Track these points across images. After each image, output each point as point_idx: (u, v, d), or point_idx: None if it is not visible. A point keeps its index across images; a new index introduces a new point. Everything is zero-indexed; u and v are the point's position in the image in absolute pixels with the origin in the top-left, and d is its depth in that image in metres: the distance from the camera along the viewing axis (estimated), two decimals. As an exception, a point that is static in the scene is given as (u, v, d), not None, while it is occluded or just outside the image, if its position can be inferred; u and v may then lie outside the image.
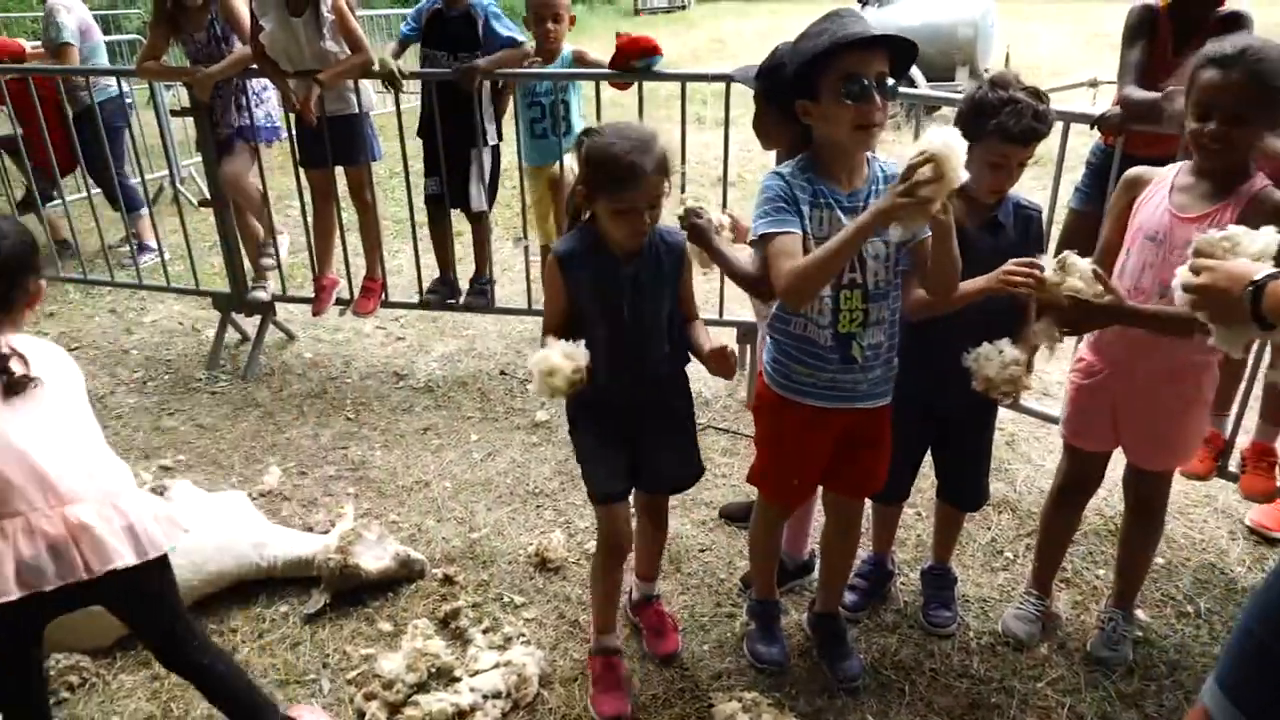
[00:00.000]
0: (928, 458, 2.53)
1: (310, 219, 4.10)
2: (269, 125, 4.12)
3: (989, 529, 2.97)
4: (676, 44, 20.20)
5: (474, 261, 4.17)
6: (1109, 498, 2.97)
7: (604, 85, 3.70)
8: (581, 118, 4.00)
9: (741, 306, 4.71)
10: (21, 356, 1.77)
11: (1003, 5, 11.09)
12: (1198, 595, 2.66)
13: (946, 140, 1.64)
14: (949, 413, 2.35)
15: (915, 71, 9.36)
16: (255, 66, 3.75)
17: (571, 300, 2.07)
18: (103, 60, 5.62)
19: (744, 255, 2.17)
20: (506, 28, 3.77)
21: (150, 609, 1.93)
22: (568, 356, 1.91)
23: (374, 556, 2.65)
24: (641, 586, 2.53)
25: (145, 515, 1.81)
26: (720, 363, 2.02)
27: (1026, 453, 3.43)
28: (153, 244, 5.15)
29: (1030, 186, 2.39)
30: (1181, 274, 1.44)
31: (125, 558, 1.73)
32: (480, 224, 4.06)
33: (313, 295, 4.21)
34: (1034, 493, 3.14)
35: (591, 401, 2.10)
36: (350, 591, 2.63)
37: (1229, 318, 1.36)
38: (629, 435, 2.19)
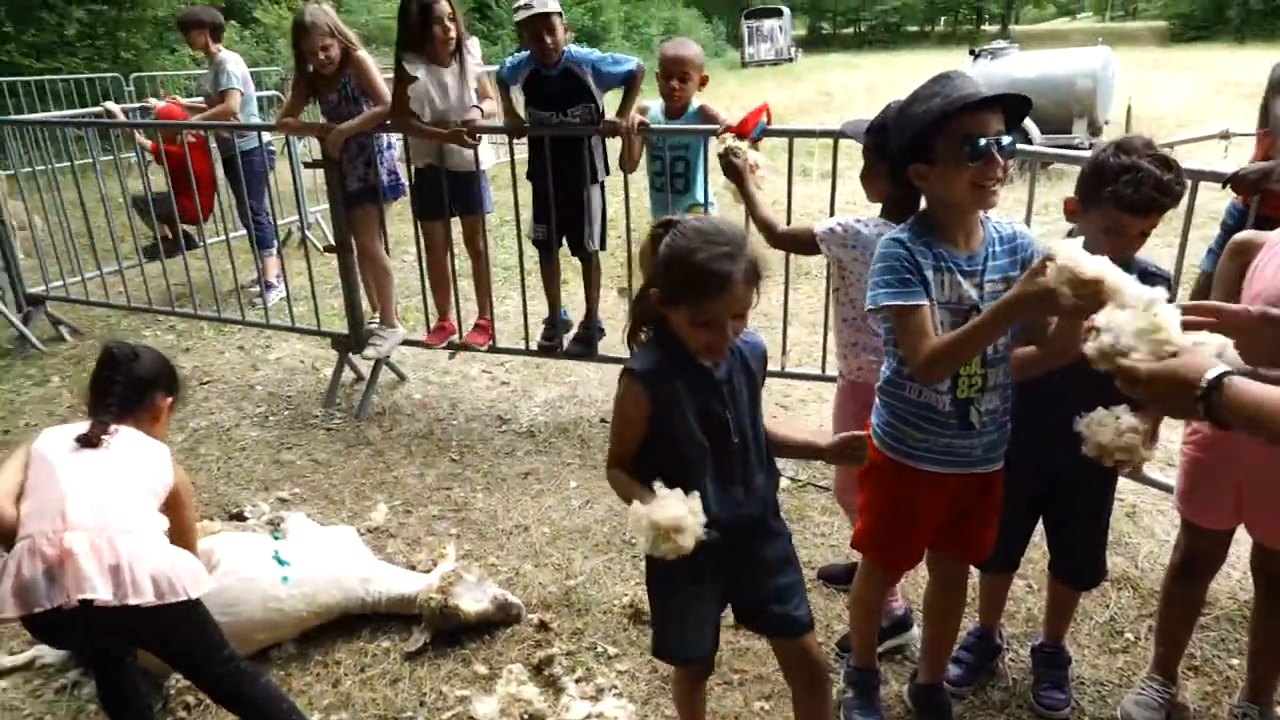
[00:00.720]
0: (1040, 527, 2.42)
1: (425, 266, 4.29)
2: (393, 183, 4.34)
3: (1107, 607, 2.80)
4: (783, 96, 20.33)
5: (584, 303, 4.24)
6: (1243, 580, 2.77)
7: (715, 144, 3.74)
8: (704, 178, 3.99)
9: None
10: (111, 434, 2.04)
11: (1124, 54, 10.74)
12: (1346, 693, 2.44)
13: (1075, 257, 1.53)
14: (1060, 478, 2.25)
15: (1030, 125, 9.15)
16: (389, 123, 3.97)
17: (655, 426, 1.77)
18: (253, 111, 6.12)
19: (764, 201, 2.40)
20: (615, 64, 3.78)
21: (171, 650, 2.06)
22: (692, 511, 1.61)
23: (473, 598, 2.70)
24: None
25: (144, 561, 1.88)
26: (854, 451, 1.83)
27: (1149, 526, 3.24)
28: (274, 282, 5.59)
29: (1154, 245, 2.29)
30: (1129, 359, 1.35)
31: (101, 591, 1.81)
32: (591, 264, 4.12)
33: (423, 338, 4.40)
34: (1157, 570, 2.95)
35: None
36: (449, 632, 2.68)
37: (1176, 408, 1.34)
38: (727, 574, 1.88)
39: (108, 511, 1.92)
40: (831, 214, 3.71)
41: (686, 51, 3.87)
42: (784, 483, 3.55)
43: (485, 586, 2.75)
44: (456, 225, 4.24)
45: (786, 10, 34.53)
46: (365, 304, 4.53)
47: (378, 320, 4.45)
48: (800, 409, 4.26)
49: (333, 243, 4.66)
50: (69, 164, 5.52)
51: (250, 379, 4.83)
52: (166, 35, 15.29)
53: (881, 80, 22.25)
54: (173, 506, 2.12)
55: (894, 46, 40.57)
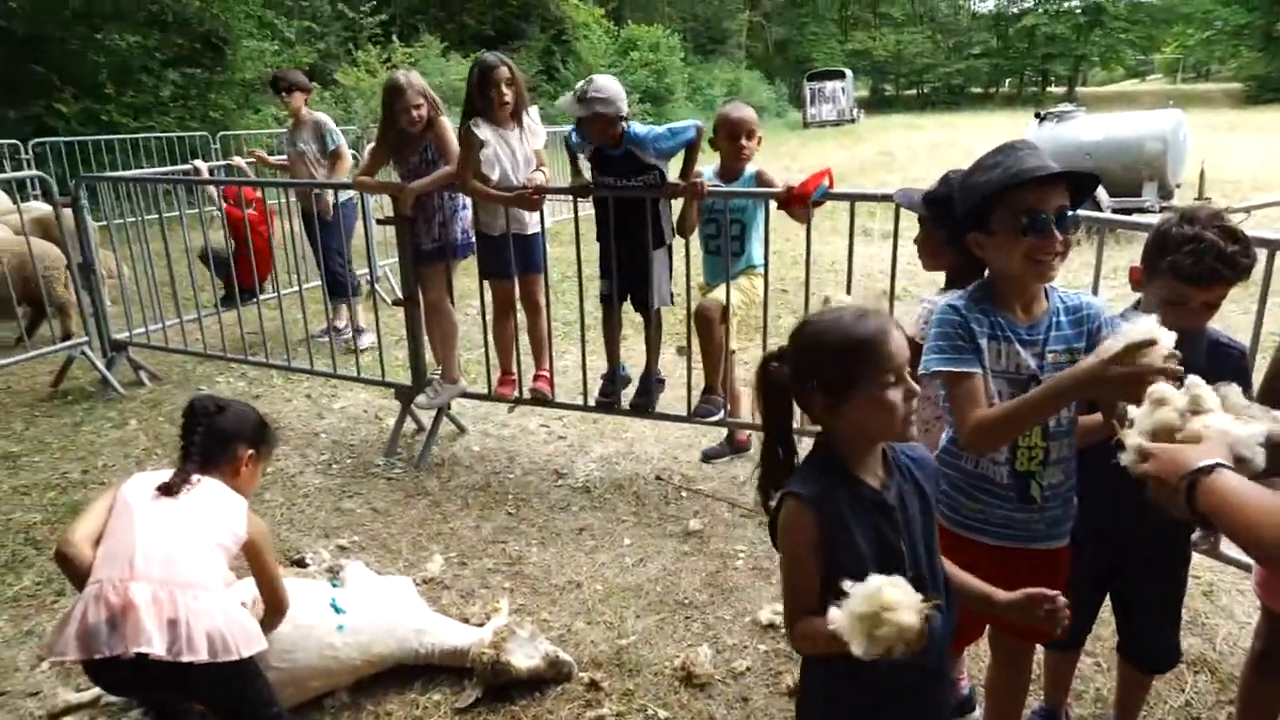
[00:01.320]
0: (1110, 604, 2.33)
1: (491, 324, 4.39)
2: (464, 241, 4.46)
3: (1183, 690, 2.66)
4: (844, 156, 20.42)
5: (644, 361, 4.27)
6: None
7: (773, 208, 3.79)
8: (760, 241, 4.01)
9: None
10: (193, 484, 2.13)
11: (1197, 116, 10.57)
12: None
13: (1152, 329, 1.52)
14: (1129, 553, 2.16)
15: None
16: (458, 184, 4.10)
17: (828, 561, 1.50)
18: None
19: None
20: (673, 136, 3.81)
21: (220, 703, 2.10)
22: (896, 584, 1.37)
23: (525, 654, 2.69)
24: None
25: (200, 620, 1.92)
26: (1039, 612, 1.57)
27: (1228, 606, 3.08)
28: (364, 327, 5.97)
29: (1229, 310, 2.22)
30: (1129, 445, 1.33)
31: (155, 646, 1.85)
32: (652, 322, 4.14)
33: (485, 392, 4.48)
34: (1237, 654, 2.80)
35: (870, 683, 1.52)
36: (500, 687, 2.68)
37: (1171, 503, 1.26)
38: None
39: (174, 564, 1.97)
40: (893, 275, 3.70)
41: (747, 112, 3.96)
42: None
43: (537, 643, 2.75)
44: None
45: (849, 73, 34.92)
46: (429, 357, 4.63)
47: (440, 373, 4.54)
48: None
49: (401, 296, 4.79)
50: (157, 216, 5.82)
51: (316, 427, 4.96)
52: (252, 96, 16.13)
53: (944, 141, 22.25)
54: (250, 557, 2.19)
55: (957, 108, 40.59)
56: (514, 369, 4.44)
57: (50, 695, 2.71)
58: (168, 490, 2.09)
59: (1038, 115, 10.42)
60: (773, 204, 3.78)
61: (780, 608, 3.04)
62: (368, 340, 5.89)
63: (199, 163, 6.99)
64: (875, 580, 1.36)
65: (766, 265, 4.08)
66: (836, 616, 1.37)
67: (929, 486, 1.64)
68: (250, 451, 2.31)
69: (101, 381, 5.50)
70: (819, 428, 1.60)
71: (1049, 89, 48.11)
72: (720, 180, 3.95)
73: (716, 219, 3.98)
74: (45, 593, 3.30)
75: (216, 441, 2.24)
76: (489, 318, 4.40)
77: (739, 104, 4.14)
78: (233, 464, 2.26)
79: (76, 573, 1.99)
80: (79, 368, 5.66)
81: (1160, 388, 1.39)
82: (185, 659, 1.88)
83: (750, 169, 3.95)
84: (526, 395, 4.37)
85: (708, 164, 4.01)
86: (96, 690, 2.69)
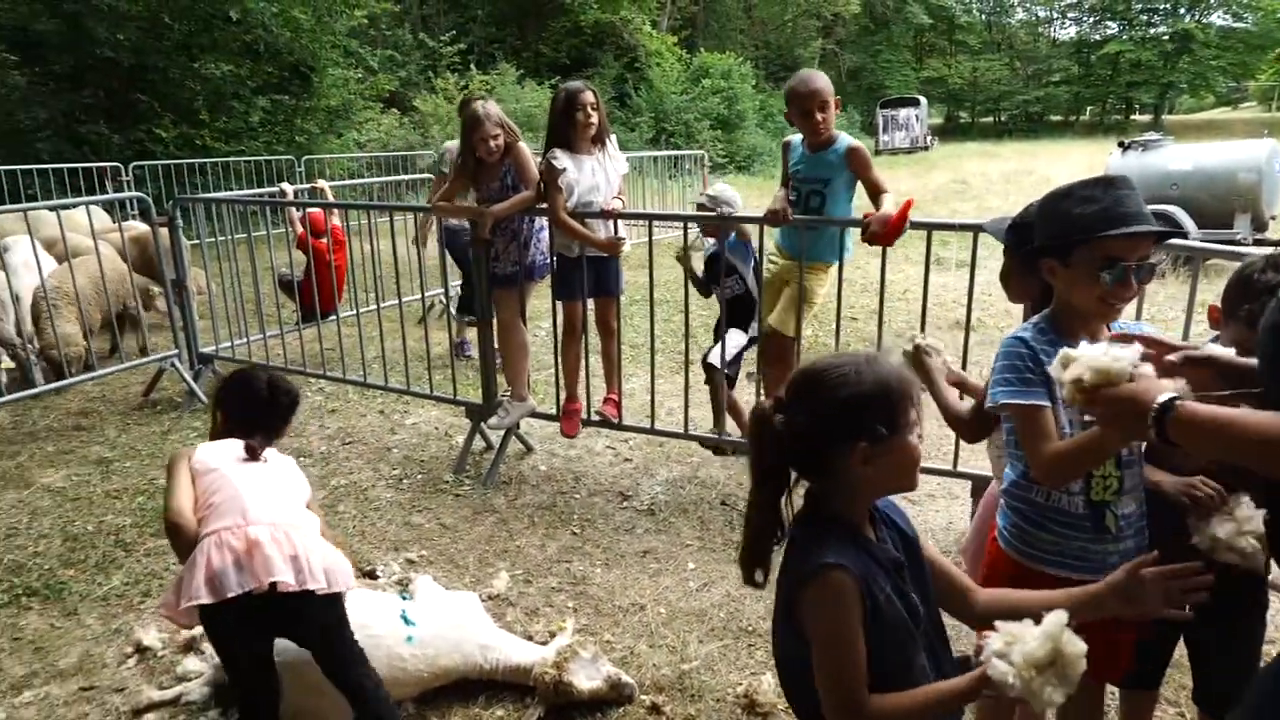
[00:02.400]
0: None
1: (560, 346, 4.46)
2: (542, 263, 4.51)
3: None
4: (917, 184, 20.15)
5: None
6: None
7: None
8: (834, 231, 3.93)
9: (975, 456, 4.48)
10: (263, 451, 2.35)
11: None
12: None
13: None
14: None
15: (1184, 217, 8.72)
16: (551, 218, 4.18)
17: (870, 634, 1.40)
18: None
19: (953, 395, 2.24)
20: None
21: (317, 627, 2.24)
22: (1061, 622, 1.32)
23: (587, 675, 2.70)
24: None
25: (315, 554, 2.11)
26: (1140, 587, 1.47)
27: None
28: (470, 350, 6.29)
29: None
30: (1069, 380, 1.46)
31: (286, 576, 2.02)
32: (712, 380, 4.35)
33: (553, 413, 4.54)
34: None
35: None
36: (561, 707, 2.69)
37: (1129, 430, 1.45)
38: None
39: (280, 510, 2.15)
40: (969, 303, 3.64)
41: (818, 83, 3.80)
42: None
43: (600, 664, 2.75)
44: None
45: (923, 100, 34.51)
46: (501, 376, 4.71)
47: (509, 393, 4.61)
48: (928, 503, 4.11)
49: (473, 316, 4.90)
50: (245, 235, 6.07)
51: (388, 442, 5.08)
52: (335, 121, 16.75)
53: (1020, 169, 21.78)
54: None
55: (1035, 136, 39.72)
56: (580, 397, 4.48)
57: (135, 692, 2.82)
58: (252, 454, 2.30)
59: (1121, 144, 10.13)
60: (859, 186, 3.82)
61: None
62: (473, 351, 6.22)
63: (285, 185, 7.28)
64: (1053, 618, 1.31)
65: (842, 258, 3.93)
66: (1004, 669, 1.29)
67: (909, 530, 1.59)
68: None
69: (188, 393, 5.73)
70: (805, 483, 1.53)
71: (1133, 117, 46.73)
72: (808, 151, 3.88)
73: (799, 189, 3.91)
74: (133, 593, 3.45)
75: (285, 424, 2.52)
76: (559, 339, 4.47)
77: (809, 74, 3.93)
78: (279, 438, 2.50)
79: (187, 541, 2.13)
80: (168, 379, 5.92)
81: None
82: (310, 587, 2.05)
83: (843, 141, 3.84)
84: (594, 417, 4.42)
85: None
86: (178, 689, 2.79)
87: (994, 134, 43.04)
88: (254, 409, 2.44)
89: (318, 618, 2.20)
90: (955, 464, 3.77)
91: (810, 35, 39.60)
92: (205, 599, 1.99)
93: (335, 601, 2.22)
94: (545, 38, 27.00)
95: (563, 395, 4.53)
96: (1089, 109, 48.40)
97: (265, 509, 2.13)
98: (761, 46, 36.58)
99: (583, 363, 4.46)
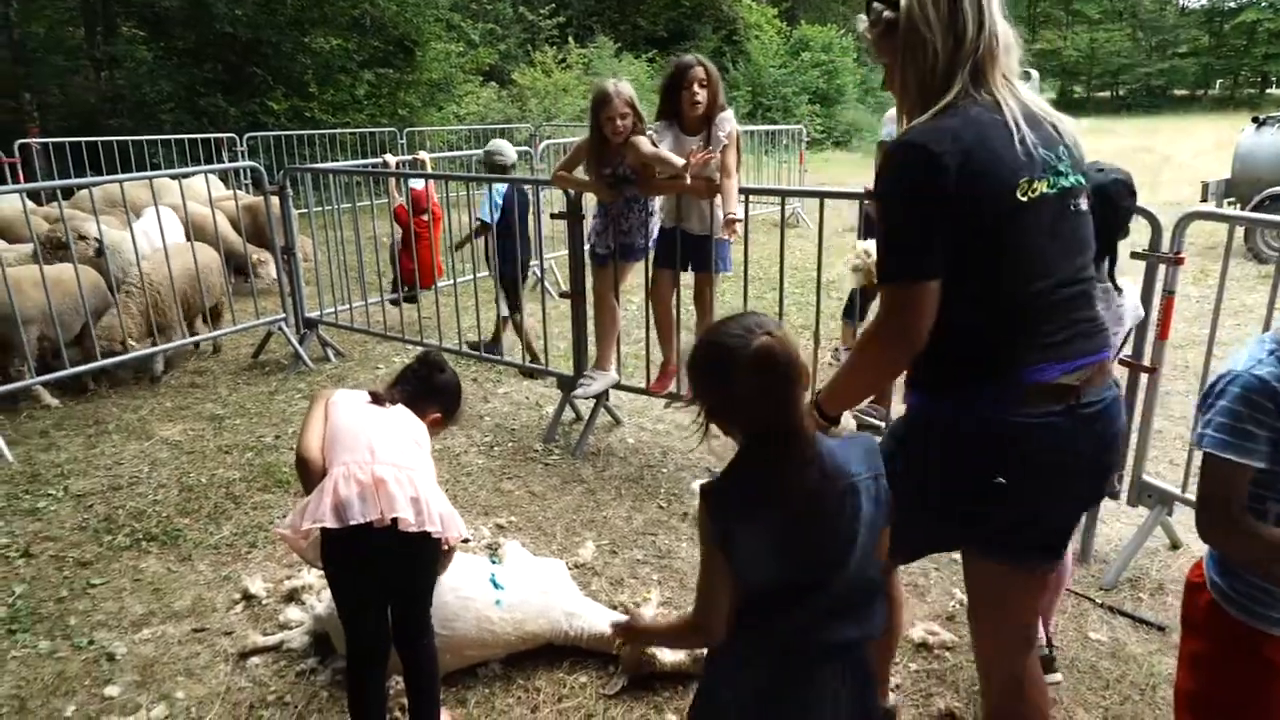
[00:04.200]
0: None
1: (652, 310, 4.45)
2: (642, 245, 4.40)
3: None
4: (1025, 161, 19.25)
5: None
6: None
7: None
8: None
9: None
10: (390, 404, 2.39)
11: None
12: None
13: None
14: None
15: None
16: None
17: None
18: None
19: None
20: None
21: (416, 577, 2.31)
22: None
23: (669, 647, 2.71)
24: None
25: (434, 500, 2.18)
26: None
27: None
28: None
29: None
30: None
31: (407, 514, 2.10)
32: None
33: (642, 386, 4.54)
34: None
35: None
36: (643, 677, 2.71)
37: None
38: None
39: (403, 455, 2.22)
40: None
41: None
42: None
43: (683, 637, 2.76)
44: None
45: (1034, 73, 32.84)
46: (592, 348, 4.75)
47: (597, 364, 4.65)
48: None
49: (567, 290, 4.93)
50: (350, 205, 6.26)
51: (481, 410, 5.19)
52: (436, 94, 17.09)
53: (1139, 146, 20.60)
54: None
55: (1157, 111, 37.49)
56: (675, 360, 4.46)
57: (241, 636, 2.98)
58: (378, 400, 2.37)
59: (1255, 119, 9.45)
60: None
61: (933, 626, 2.93)
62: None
63: (388, 156, 7.48)
64: None
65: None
66: None
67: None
68: (438, 415, 2.49)
69: (294, 355, 5.98)
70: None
71: (1269, 91, 43.53)
72: None
73: None
74: (241, 544, 3.64)
75: (425, 390, 2.47)
76: (652, 310, 4.46)
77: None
78: (424, 416, 2.43)
79: (315, 473, 2.22)
80: (276, 341, 6.19)
81: None
82: (428, 529, 2.14)
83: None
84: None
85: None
86: (280, 635, 2.94)
87: (1111, 109, 40.84)
88: (404, 371, 2.55)
89: (421, 563, 2.27)
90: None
91: (916, 6, 38.18)
92: (330, 523, 2.08)
93: (438, 549, 2.28)
94: (643, 10, 26.87)
95: (654, 370, 4.53)
96: (1219, 82, 45.28)
97: (391, 451, 2.20)
98: (864, 18, 35.43)
99: (675, 330, 4.43)
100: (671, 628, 2.08)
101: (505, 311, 5.71)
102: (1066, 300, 1.69)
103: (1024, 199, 1.62)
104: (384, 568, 2.23)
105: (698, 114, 3.98)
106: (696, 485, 1.64)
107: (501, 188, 5.51)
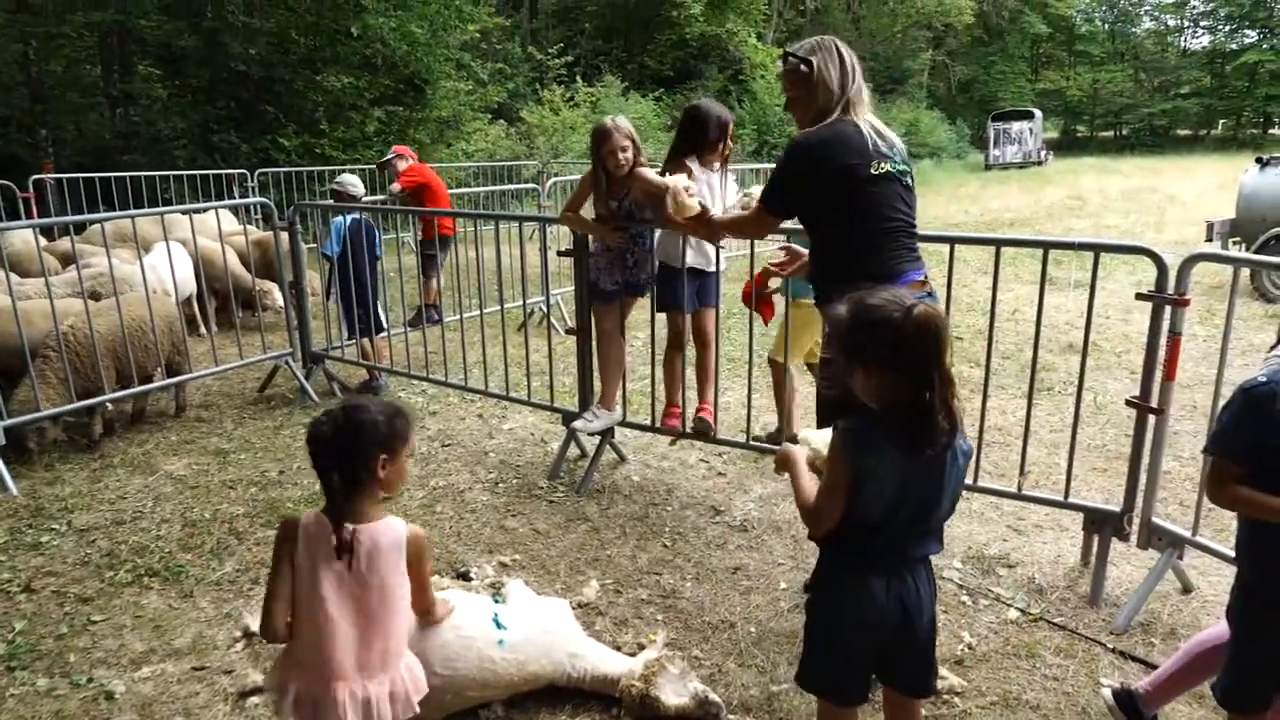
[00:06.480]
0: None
1: (662, 353, 4.45)
2: (647, 280, 4.40)
3: None
4: (1028, 200, 19.44)
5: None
6: None
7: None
8: None
9: (1087, 488, 4.25)
10: (358, 541, 2.10)
11: None
12: None
13: None
14: None
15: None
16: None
17: None
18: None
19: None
20: None
21: None
22: None
23: (674, 691, 2.68)
24: None
25: (385, 705, 2.13)
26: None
27: None
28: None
29: None
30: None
31: None
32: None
33: (647, 423, 4.53)
34: None
35: None
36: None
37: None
38: None
39: (365, 651, 2.13)
40: (1087, 328, 3.46)
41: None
42: (1013, 614, 3.28)
43: (687, 680, 2.73)
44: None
45: (1038, 113, 33.27)
46: (598, 385, 4.75)
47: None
48: (1035, 534, 3.93)
49: (572, 326, 4.94)
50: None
51: (485, 446, 5.18)
52: (445, 131, 17.31)
53: (1143, 186, 20.76)
54: (410, 564, 2.20)
55: (1160, 151, 37.73)
56: (680, 402, 4.47)
57: (241, 675, 2.95)
58: (339, 554, 2.08)
59: (1259, 160, 9.50)
60: None
61: (941, 670, 2.89)
62: None
63: (394, 187, 7.54)
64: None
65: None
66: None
67: None
68: (384, 456, 2.12)
69: (300, 390, 5.99)
70: None
71: (1271, 131, 43.80)
72: None
73: None
74: (243, 580, 3.61)
75: (349, 470, 2.09)
76: (659, 349, 4.46)
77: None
78: (372, 479, 2.12)
79: (277, 642, 2.20)
80: (282, 376, 6.21)
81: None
82: None
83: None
84: (689, 428, 4.39)
85: None
86: (280, 676, 2.89)
87: (1114, 149, 41.14)
88: (316, 472, 2.11)
89: None
90: (1066, 495, 3.59)
91: (920, 46, 38.72)
92: None
93: None
94: (650, 50, 27.23)
95: (660, 406, 4.53)
96: (1221, 122, 45.64)
97: (349, 654, 2.11)
98: (868, 58, 35.89)
99: (682, 372, 4.44)
100: (805, 492, 2.08)
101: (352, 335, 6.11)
102: (898, 230, 2.85)
103: (876, 173, 2.80)
104: None
105: (722, 156, 4.13)
106: (822, 432, 2.18)
107: (341, 223, 6.00)
